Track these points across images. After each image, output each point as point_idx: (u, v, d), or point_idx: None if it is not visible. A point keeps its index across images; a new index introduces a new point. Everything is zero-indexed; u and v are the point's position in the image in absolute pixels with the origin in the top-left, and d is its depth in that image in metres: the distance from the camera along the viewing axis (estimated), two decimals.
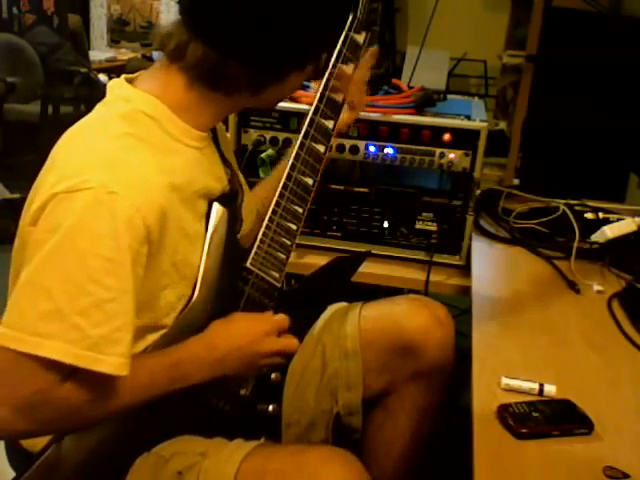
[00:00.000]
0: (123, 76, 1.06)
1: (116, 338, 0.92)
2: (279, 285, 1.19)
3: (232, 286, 1.15)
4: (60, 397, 0.92)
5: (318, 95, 1.24)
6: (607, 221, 1.68)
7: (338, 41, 1.25)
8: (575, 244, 1.55)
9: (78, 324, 0.89)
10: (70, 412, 0.95)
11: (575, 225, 1.62)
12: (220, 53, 0.99)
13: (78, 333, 0.89)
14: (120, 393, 0.96)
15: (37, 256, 0.90)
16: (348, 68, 1.27)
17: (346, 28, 1.24)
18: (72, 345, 0.89)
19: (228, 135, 1.60)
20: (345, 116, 1.34)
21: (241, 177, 1.26)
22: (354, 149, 1.62)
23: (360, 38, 1.29)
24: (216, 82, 1.02)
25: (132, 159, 0.95)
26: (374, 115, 1.61)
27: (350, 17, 1.24)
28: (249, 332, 1.11)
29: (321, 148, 1.26)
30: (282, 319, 1.14)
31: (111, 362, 0.91)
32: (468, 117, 1.62)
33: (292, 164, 1.22)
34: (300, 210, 1.21)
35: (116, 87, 1.05)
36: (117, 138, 0.97)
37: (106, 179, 0.91)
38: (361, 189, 1.68)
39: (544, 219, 1.69)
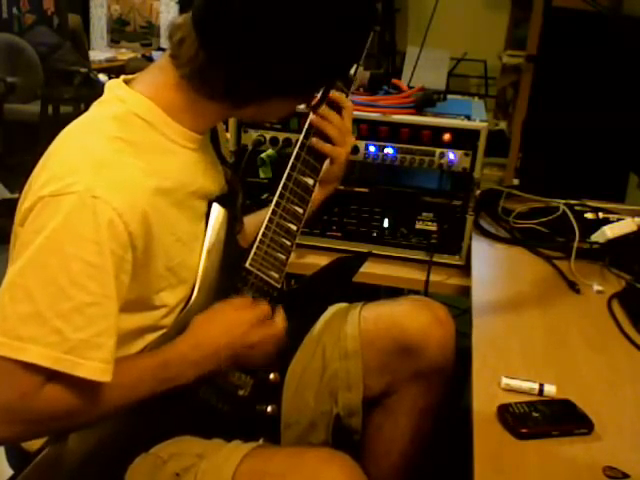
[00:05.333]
0: (122, 77, 1.06)
1: (97, 343, 0.91)
2: (279, 286, 1.19)
3: (231, 286, 1.15)
4: (42, 401, 0.91)
5: (319, 96, 1.24)
6: (607, 221, 1.68)
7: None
8: (575, 244, 1.55)
9: (58, 328, 0.89)
10: (53, 416, 0.94)
11: (575, 225, 1.62)
12: (209, 55, 0.97)
13: (58, 337, 0.89)
14: (104, 397, 0.96)
15: (21, 258, 0.90)
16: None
17: None
18: (52, 349, 0.89)
19: (228, 135, 1.60)
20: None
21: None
22: (354, 149, 1.61)
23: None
24: (200, 84, 1.00)
25: (120, 163, 0.95)
26: (374, 115, 1.61)
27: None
28: (234, 325, 1.09)
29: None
30: (263, 308, 1.12)
31: (91, 367, 0.91)
32: (468, 117, 1.62)
33: (292, 164, 1.22)
34: (300, 210, 1.21)
35: (113, 87, 1.04)
36: (107, 141, 0.96)
37: (92, 183, 0.91)
38: (361, 189, 1.67)
39: (544, 219, 1.69)
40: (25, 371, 0.89)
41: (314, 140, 1.24)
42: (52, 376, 0.91)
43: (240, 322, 1.10)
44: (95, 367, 0.91)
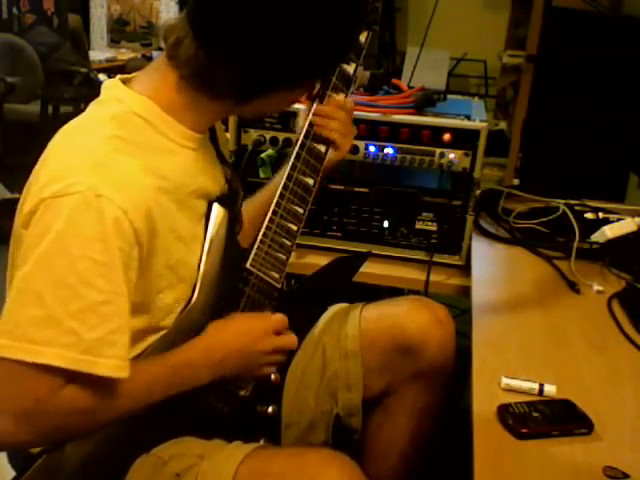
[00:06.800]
0: (119, 76, 1.06)
1: (112, 340, 0.91)
2: (279, 286, 1.19)
3: (232, 287, 1.15)
4: (61, 404, 0.91)
5: (317, 91, 1.25)
6: (607, 221, 1.68)
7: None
8: (575, 244, 1.55)
9: (73, 328, 0.88)
10: (72, 419, 0.94)
11: (575, 225, 1.62)
12: (208, 54, 0.97)
13: (73, 337, 0.88)
14: (120, 397, 0.96)
15: (28, 261, 0.90)
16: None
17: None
18: (68, 350, 0.88)
19: (228, 135, 1.60)
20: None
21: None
22: (354, 149, 1.61)
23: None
24: (201, 84, 1.00)
25: (120, 162, 0.95)
26: (374, 115, 1.61)
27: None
28: (247, 333, 1.10)
29: (322, 148, 1.26)
30: (280, 318, 1.14)
31: (109, 364, 0.91)
32: (468, 117, 1.62)
33: (292, 164, 1.22)
34: (300, 211, 1.21)
35: (111, 87, 1.04)
36: (106, 140, 0.96)
37: (93, 182, 0.90)
38: (361, 189, 1.67)
39: (544, 219, 1.69)
40: (41, 374, 0.88)
41: (318, 120, 1.24)
42: (69, 378, 0.91)
43: (252, 329, 1.11)
44: (112, 364, 0.91)
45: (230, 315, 1.11)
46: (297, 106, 1.55)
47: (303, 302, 1.30)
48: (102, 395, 0.94)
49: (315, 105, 1.26)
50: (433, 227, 1.65)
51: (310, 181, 1.23)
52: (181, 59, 0.99)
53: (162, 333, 1.06)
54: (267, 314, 1.15)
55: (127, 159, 0.96)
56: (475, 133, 1.58)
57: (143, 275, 0.98)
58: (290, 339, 1.15)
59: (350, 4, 1.02)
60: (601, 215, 1.72)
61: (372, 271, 1.61)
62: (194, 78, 1.00)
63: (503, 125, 3.33)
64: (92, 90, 3.83)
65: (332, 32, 1.01)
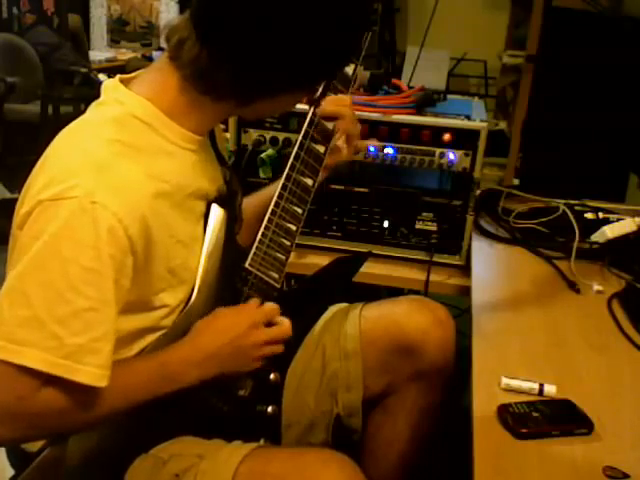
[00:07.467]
0: (118, 76, 1.05)
1: (94, 348, 0.91)
2: (278, 286, 1.19)
3: (231, 287, 1.15)
4: (38, 404, 0.91)
5: (318, 95, 1.24)
6: (607, 221, 1.68)
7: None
8: (575, 244, 1.55)
9: (56, 332, 0.89)
10: (49, 419, 0.94)
11: (575, 225, 1.61)
12: (211, 54, 0.96)
13: (56, 341, 0.89)
14: (101, 400, 0.95)
15: (20, 262, 0.90)
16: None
17: None
18: (49, 353, 0.89)
19: (227, 135, 1.60)
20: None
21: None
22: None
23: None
24: (204, 86, 0.99)
25: (120, 166, 0.94)
26: (374, 115, 1.61)
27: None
28: (233, 326, 1.08)
29: (321, 148, 1.26)
30: (269, 308, 1.12)
31: (88, 372, 0.91)
32: (468, 117, 1.61)
33: (291, 164, 1.22)
34: (299, 211, 1.22)
35: (110, 88, 1.03)
36: (107, 143, 0.95)
37: (91, 187, 0.90)
38: (361, 189, 1.67)
39: (544, 219, 1.69)
40: (22, 374, 0.89)
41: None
42: (49, 380, 0.91)
43: (239, 323, 1.09)
44: (92, 372, 0.91)
45: (216, 310, 1.09)
46: (299, 107, 1.56)
47: (303, 302, 1.30)
48: (81, 399, 0.94)
49: (313, 108, 1.26)
50: (433, 227, 1.65)
51: (309, 181, 1.23)
52: (184, 60, 0.98)
53: (161, 333, 1.06)
54: (254, 305, 1.12)
55: (127, 163, 0.95)
56: (475, 133, 1.58)
57: (141, 278, 0.98)
58: (282, 329, 1.12)
59: (354, 6, 1.02)
60: (601, 215, 1.72)
61: (372, 271, 1.61)
62: (197, 79, 0.99)
63: (503, 125, 3.33)
64: (92, 90, 3.83)
65: (335, 35, 1.00)
